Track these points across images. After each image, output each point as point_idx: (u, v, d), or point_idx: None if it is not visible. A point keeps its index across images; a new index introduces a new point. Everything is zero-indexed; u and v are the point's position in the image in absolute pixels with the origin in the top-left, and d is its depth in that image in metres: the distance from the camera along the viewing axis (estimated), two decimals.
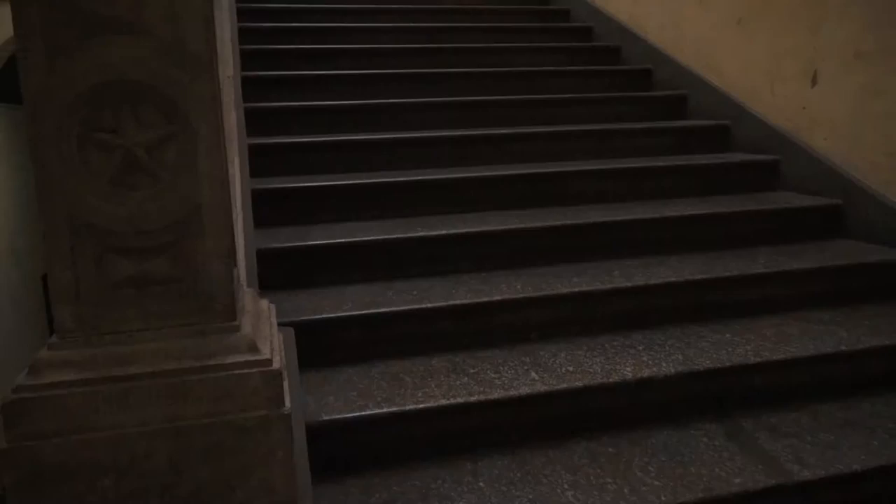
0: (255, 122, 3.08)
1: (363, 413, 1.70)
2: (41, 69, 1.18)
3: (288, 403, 1.33)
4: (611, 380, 1.86)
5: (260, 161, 2.79)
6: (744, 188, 3.05)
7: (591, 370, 1.92)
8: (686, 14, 3.69)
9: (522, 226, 2.49)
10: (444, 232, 2.41)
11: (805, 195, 2.93)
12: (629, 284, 2.24)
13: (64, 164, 1.22)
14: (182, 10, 1.20)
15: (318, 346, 1.98)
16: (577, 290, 2.19)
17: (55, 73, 1.19)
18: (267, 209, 2.52)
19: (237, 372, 1.29)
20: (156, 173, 1.26)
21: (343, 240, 2.32)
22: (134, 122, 1.23)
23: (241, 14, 3.97)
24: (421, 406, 1.73)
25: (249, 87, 3.28)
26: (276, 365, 1.31)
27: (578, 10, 4.68)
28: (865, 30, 2.65)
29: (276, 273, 2.24)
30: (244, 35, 3.79)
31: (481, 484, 1.62)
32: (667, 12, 3.86)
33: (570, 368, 1.93)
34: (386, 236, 2.37)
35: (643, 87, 3.97)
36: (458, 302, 2.10)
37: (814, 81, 2.90)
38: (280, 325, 1.79)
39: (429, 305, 2.07)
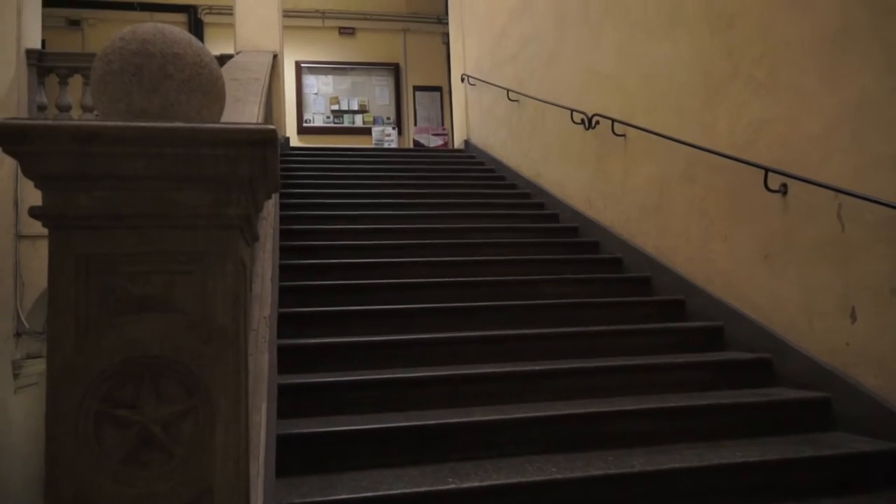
0: (287, 359, 3.09)
1: None
2: (68, 346, 1.19)
3: None
4: None
5: (289, 400, 2.75)
6: (795, 428, 2.86)
7: None
8: (712, 248, 3.77)
9: (561, 476, 2.32)
10: (476, 484, 2.26)
11: (864, 437, 2.73)
12: None
13: (78, 442, 1.18)
14: (213, 287, 1.23)
15: None
16: None
17: (82, 351, 1.19)
18: (291, 456, 2.41)
19: None
20: (170, 450, 1.20)
21: (368, 494, 2.18)
22: (154, 397, 1.21)
23: (282, 251, 4.18)
24: None
25: (284, 324, 3.35)
26: None
27: (607, 241, 4.83)
28: None
29: None
30: (283, 270, 3.95)
31: None
32: (692, 246, 3.95)
33: None
34: (415, 489, 2.22)
35: (677, 318, 3.94)
36: None
37: (853, 317, 2.84)
38: None
39: None
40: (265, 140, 1.21)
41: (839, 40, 2.91)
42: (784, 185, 3.19)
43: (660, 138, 4.13)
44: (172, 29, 1.29)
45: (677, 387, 3.17)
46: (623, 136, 4.65)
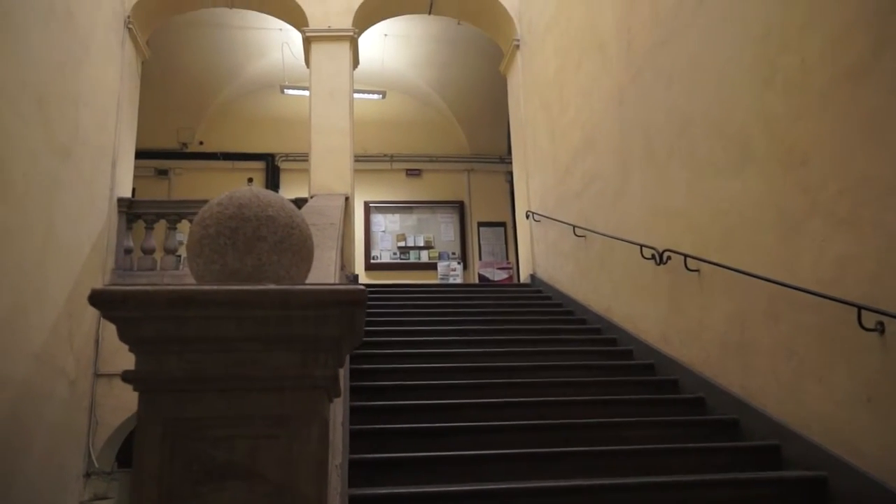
0: None
1: None
2: None
3: None
4: None
5: None
6: None
7: None
8: (805, 390, 3.52)
9: None
10: None
11: None
12: None
13: None
14: (298, 454, 1.18)
15: None
16: None
17: None
18: None
19: None
20: None
21: None
22: None
23: (352, 392, 4.13)
24: None
25: (353, 469, 3.23)
26: None
27: (687, 380, 4.60)
28: None
29: None
30: (352, 412, 3.88)
31: None
32: (783, 387, 3.70)
33: None
34: None
35: (772, 465, 3.63)
36: None
37: None
38: None
39: None
40: (354, 301, 1.20)
41: None
42: (881, 324, 3.00)
43: (737, 274, 4.01)
44: (267, 193, 1.34)
45: None
46: (697, 271, 4.54)
